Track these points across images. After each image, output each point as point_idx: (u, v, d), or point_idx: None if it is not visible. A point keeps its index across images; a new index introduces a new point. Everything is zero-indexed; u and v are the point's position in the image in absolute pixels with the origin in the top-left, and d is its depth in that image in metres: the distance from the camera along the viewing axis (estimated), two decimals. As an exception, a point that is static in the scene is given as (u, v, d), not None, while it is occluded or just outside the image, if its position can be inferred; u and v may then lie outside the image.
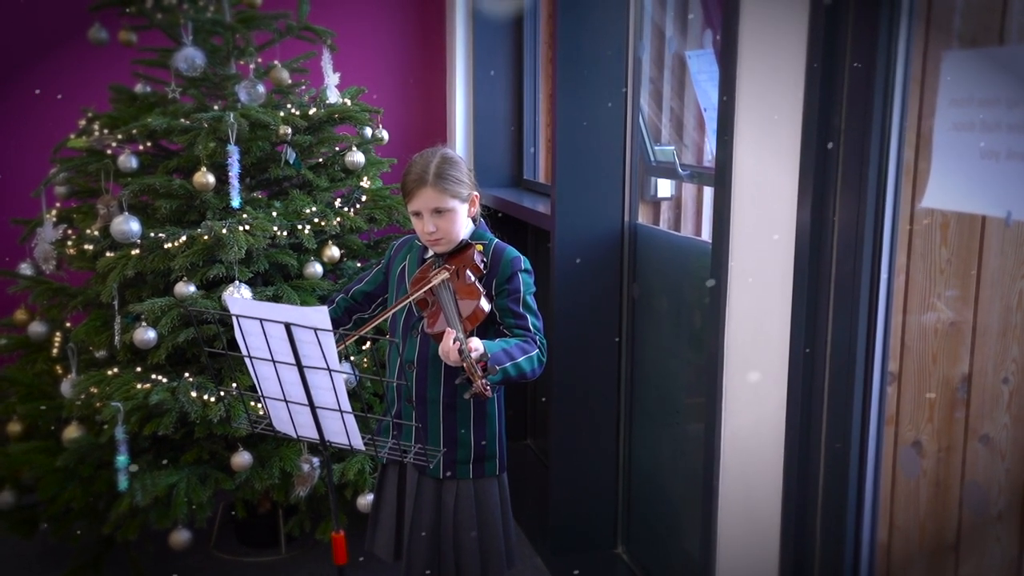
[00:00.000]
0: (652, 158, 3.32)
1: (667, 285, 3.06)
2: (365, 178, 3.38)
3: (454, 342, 2.04)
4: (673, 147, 3.45)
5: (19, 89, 3.96)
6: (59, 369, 3.23)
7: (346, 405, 1.84)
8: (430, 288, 2.19)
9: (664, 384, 3.12)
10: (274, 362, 1.85)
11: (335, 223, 3.13)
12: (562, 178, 3.15)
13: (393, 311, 2.19)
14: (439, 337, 2.13)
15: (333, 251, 3.17)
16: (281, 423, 1.99)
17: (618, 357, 3.28)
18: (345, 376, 1.82)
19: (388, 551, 2.46)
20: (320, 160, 3.38)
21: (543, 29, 4.20)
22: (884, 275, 1.65)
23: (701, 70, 3.30)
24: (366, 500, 2.97)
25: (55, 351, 3.26)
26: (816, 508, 1.85)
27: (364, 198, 3.33)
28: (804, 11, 1.75)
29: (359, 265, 3.43)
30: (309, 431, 1.94)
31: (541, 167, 4.34)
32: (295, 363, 1.81)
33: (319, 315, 1.75)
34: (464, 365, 2.03)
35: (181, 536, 2.90)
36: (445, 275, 2.20)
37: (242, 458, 2.87)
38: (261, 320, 1.80)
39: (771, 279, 1.91)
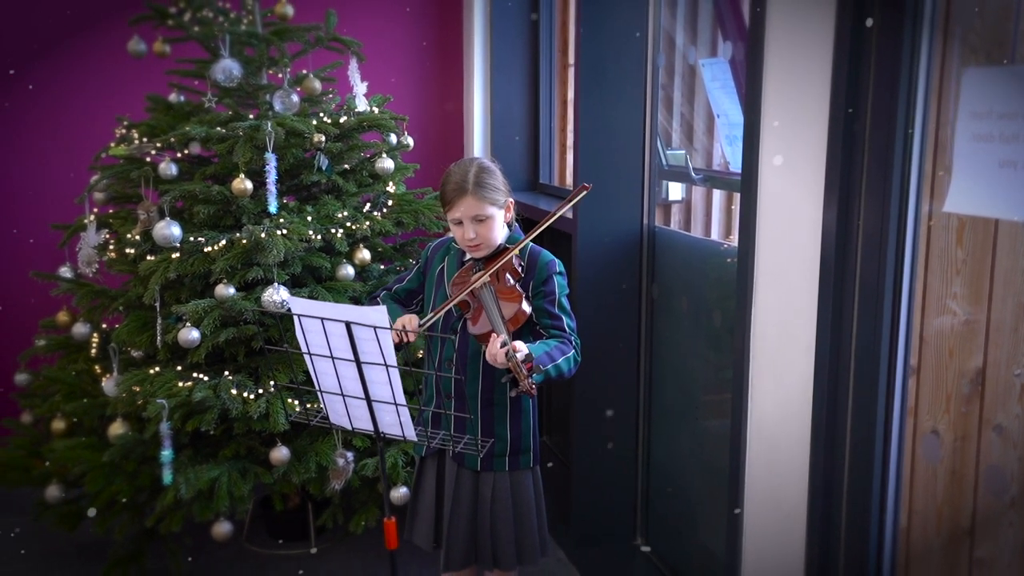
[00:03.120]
0: (664, 162, 3.44)
1: (685, 285, 3.19)
2: (391, 183, 3.50)
3: (501, 346, 2.16)
4: (684, 151, 3.57)
5: (51, 98, 4.08)
6: (97, 369, 3.34)
7: (401, 398, 1.96)
8: (473, 290, 2.31)
9: (682, 381, 3.24)
10: (333, 358, 1.97)
11: (365, 227, 3.25)
12: (584, 182, 3.26)
13: (443, 311, 2.30)
14: (482, 338, 2.25)
15: (364, 254, 3.29)
16: (337, 416, 2.11)
17: (637, 355, 3.40)
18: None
19: (427, 540, 2.57)
20: (347, 166, 3.50)
21: (558, 37, 4.33)
22: (906, 275, 1.77)
23: (714, 78, 3.42)
24: (399, 493, 3.09)
25: (93, 351, 3.38)
26: (842, 493, 1.97)
27: (390, 202, 3.46)
28: (829, 26, 1.87)
29: (382, 267, 3.54)
30: (364, 423, 2.06)
31: (556, 171, 4.46)
32: (354, 359, 1.93)
33: (378, 314, 1.88)
34: (510, 366, 2.14)
35: (223, 528, 3.03)
36: (487, 278, 2.31)
37: (281, 453, 2.99)
38: (322, 319, 1.92)
39: (796, 279, 2.04)
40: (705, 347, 3.09)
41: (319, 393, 2.09)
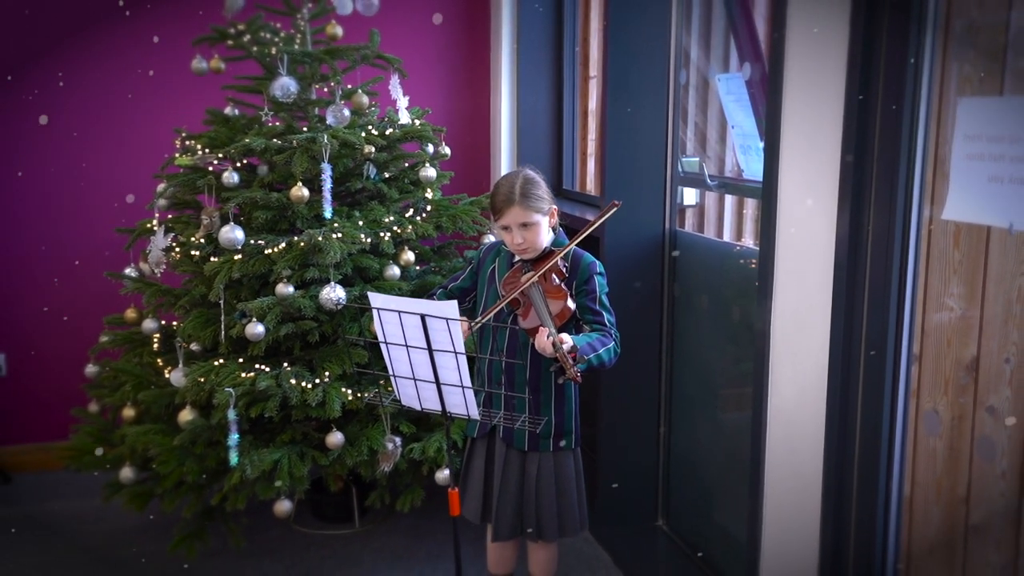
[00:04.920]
0: (680, 169, 3.72)
1: (705, 285, 3.47)
2: (429, 190, 3.77)
3: (548, 337, 2.44)
4: (698, 158, 3.85)
5: (112, 109, 4.37)
6: (160, 361, 3.62)
7: (467, 382, 2.24)
8: (522, 290, 2.59)
9: (701, 374, 3.52)
10: (407, 347, 2.25)
11: (409, 230, 3.53)
12: (611, 189, 3.55)
13: (497, 308, 2.58)
14: (531, 332, 2.53)
15: (409, 255, 3.56)
16: (408, 398, 2.40)
17: (659, 350, 3.68)
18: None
19: (476, 514, 2.85)
20: (389, 174, 3.77)
21: (580, 50, 4.61)
22: (910, 274, 2.05)
23: (729, 91, 3.70)
24: (443, 474, 3.36)
25: (155, 345, 3.66)
26: (853, 466, 2.25)
27: (429, 208, 3.73)
28: (843, 52, 2.15)
29: (418, 268, 3.81)
30: (432, 404, 2.35)
31: (577, 177, 4.74)
32: (426, 347, 2.21)
33: (450, 307, 2.16)
34: (557, 356, 2.42)
35: (283, 506, 3.30)
36: (535, 279, 2.59)
37: (336, 437, 3.27)
38: (399, 312, 2.20)
39: (812, 278, 2.32)
40: (723, 342, 3.36)
41: (392, 378, 2.37)
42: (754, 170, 3.54)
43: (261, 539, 3.77)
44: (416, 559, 3.63)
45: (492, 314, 2.57)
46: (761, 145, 3.43)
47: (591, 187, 4.63)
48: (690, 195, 3.87)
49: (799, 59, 2.36)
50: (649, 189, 3.60)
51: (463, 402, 2.29)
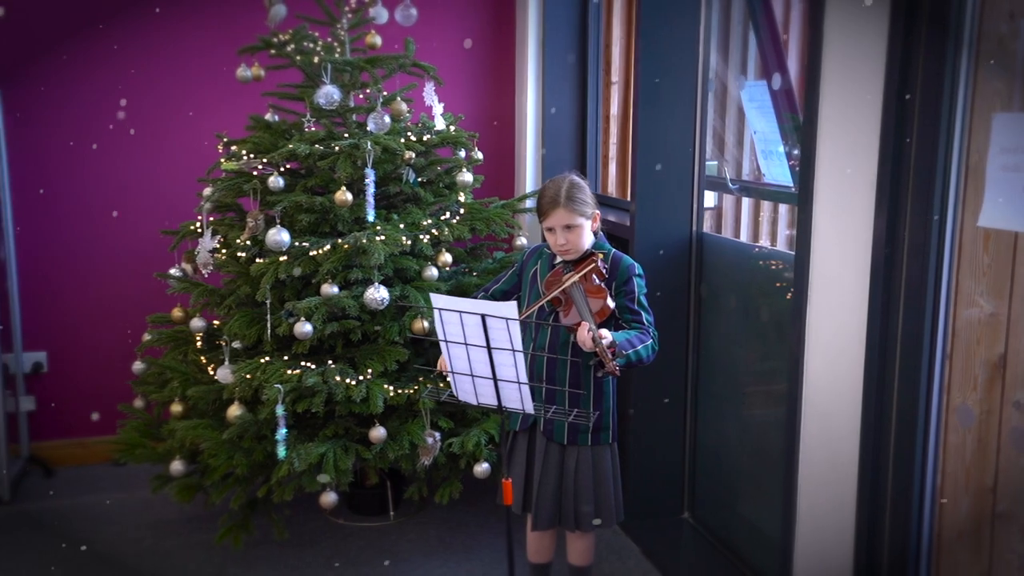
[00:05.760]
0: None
1: (731, 285, 3.60)
2: (462, 194, 3.90)
3: (588, 332, 2.57)
4: (716, 162, 3.98)
5: (160, 116, 4.50)
6: (203, 359, 3.75)
7: (524, 378, 2.37)
8: (564, 289, 2.72)
9: (727, 371, 3.66)
10: (466, 344, 2.38)
11: (446, 232, 3.66)
12: (642, 194, 3.69)
13: (540, 304, 2.71)
14: (573, 328, 2.66)
15: (446, 257, 3.69)
16: (464, 393, 2.53)
17: (686, 348, 3.81)
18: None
19: (517, 504, 2.98)
20: (424, 179, 3.90)
21: (603, 58, 4.74)
22: (945, 276, 2.19)
23: (752, 98, 3.84)
24: (481, 468, 3.49)
25: (199, 343, 3.79)
26: (888, 458, 2.39)
27: (462, 211, 3.86)
28: (881, 62, 2.29)
29: (449, 269, 3.93)
30: (488, 399, 2.48)
31: (600, 181, 4.87)
32: (485, 345, 2.34)
33: (509, 308, 2.29)
34: (597, 351, 2.56)
35: (329, 497, 3.44)
36: (576, 278, 2.73)
37: (379, 432, 3.40)
38: (460, 312, 2.33)
39: (849, 278, 2.46)
40: (749, 341, 3.50)
41: (451, 374, 2.50)
42: (775, 174, 3.68)
43: (300, 530, 3.90)
44: (451, 550, 3.76)
45: (535, 309, 2.70)
46: (782, 150, 3.58)
47: (612, 190, 4.77)
48: (708, 198, 4.01)
49: (835, 68, 2.49)
50: (677, 192, 3.73)
51: (519, 397, 2.42)
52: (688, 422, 3.88)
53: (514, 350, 2.32)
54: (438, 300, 2.38)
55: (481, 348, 2.37)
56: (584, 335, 2.58)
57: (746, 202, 4.03)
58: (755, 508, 3.50)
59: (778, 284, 3.30)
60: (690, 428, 3.89)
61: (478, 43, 4.88)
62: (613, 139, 4.76)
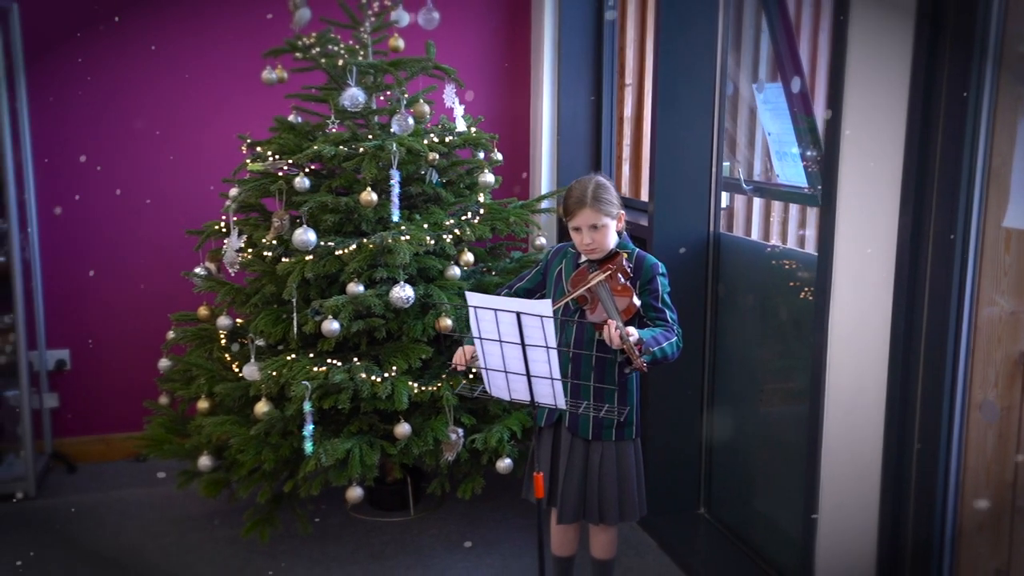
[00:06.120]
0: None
1: (748, 285, 3.67)
2: (481, 194, 3.96)
3: (615, 329, 2.63)
4: (728, 163, 4.05)
5: (184, 117, 4.57)
6: (227, 356, 3.81)
7: (557, 374, 2.44)
8: (590, 287, 2.79)
9: (743, 369, 3.72)
10: (501, 342, 2.44)
11: (468, 232, 3.72)
12: (660, 194, 3.75)
13: (566, 301, 2.78)
14: (599, 326, 2.73)
15: (468, 256, 3.76)
16: (497, 389, 2.59)
17: (703, 346, 3.88)
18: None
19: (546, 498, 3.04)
20: (445, 179, 3.96)
21: (618, 61, 4.80)
22: (970, 274, 2.26)
23: (767, 100, 3.91)
24: (504, 463, 3.56)
25: (223, 341, 3.85)
26: (912, 451, 2.46)
27: (482, 211, 3.92)
28: (906, 61, 2.36)
29: (469, 269, 4.00)
30: (521, 395, 2.54)
31: (614, 181, 4.92)
32: (520, 342, 2.41)
33: (544, 306, 2.35)
34: (625, 348, 2.62)
35: (355, 492, 3.50)
36: (602, 277, 2.79)
37: (404, 428, 3.46)
38: (495, 310, 2.40)
39: (873, 276, 2.53)
40: (766, 339, 3.56)
41: (483, 371, 2.57)
42: (789, 175, 3.76)
43: (322, 525, 3.97)
44: (473, 544, 3.82)
45: (562, 306, 2.77)
46: (795, 151, 3.65)
47: (626, 190, 4.83)
48: (722, 198, 4.06)
49: (860, 72, 2.56)
50: (695, 193, 3.80)
51: (551, 392, 2.48)
52: (704, 419, 3.95)
53: (548, 347, 2.38)
54: (474, 298, 2.45)
55: (515, 345, 2.42)
56: (612, 333, 2.64)
57: (756, 202, 4.10)
58: (772, 503, 3.57)
59: (792, 283, 3.37)
60: (706, 425, 3.95)
61: (493, 45, 4.94)
62: (626, 140, 4.83)
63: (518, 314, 2.37)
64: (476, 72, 4.89)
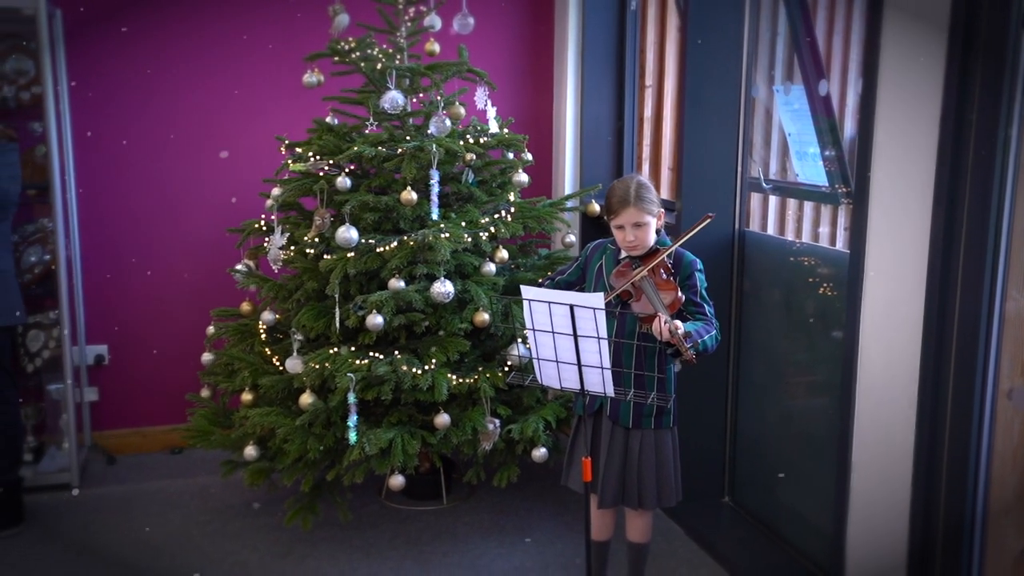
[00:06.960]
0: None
1: (772, 280, 3.80)
2: (512, 193, 4.09)
3: (664, 323, 2.77)
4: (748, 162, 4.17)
5: (223, 119, 4.70)
6: (268, 350, 3.94)
7: (607, 364, 2.57)
8: (634, 282, 2.92)
9: (768, 362, 3.86)
10: (553, 333, 2.58)
11: (503, 230, 3.85)
12: (687, 193, 3.89)
13: (614, 294, 2.92)
14: (646, 320, 2.86)
15: (503, 253, 3.89)
16: (548, 378, 2.73)
17: (728, 340, 4.01)
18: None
19: (581, 485, 3.17)
20: (479, 178, 4.09)
21: (639, 62, 4.93)
22: (1001, 267, 2.40)
23: (788, 102, 4.04)
24: (539, 452, 3.69)
25: (263, 336, 3.97)
26: (944, 438, 2.60)
27: (512, 209, 4.05)
28: (940, 65, 2.49)
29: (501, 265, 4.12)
30: (571, 384, 2.68)
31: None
32: (572, 333, 2.54)
33: (596, 299, 2.48)
34: (674, 340, 2.75)
35: (397, 480, 3.63)
36: (645, 272, 2.92)
37: (443, 418, 3.59)
38: (549, 303, 2.53)
39: (904, 272, 2.66)
40: (791, 333, 3.70)
41: (535, 361, 2.70)
42: (808, 174, 3.90)
43: (359, 514, 4.09)
44: (505, 532, 3.95)
45: (611, 298, 2.90)
46: (814, 151, 3.79)
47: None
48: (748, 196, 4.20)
49: (892, 76, 2.69)
50: (722, 193, 3.93)
51: (600, 381, 2.62)
52: (729, 410, 4.08)
53: (599, 338, 2.51)
54: (528, 291, 2.58)
55: (567, 336, 2.56)
56: (661, 326, 2.77)
57: (773, 200, 4.23)
58: (797, 491, 3.70)
59: (811, 279, 3.52)
60: (731, 416, 4.08)
61: (517, 47, 5.06)
62: (646, 140, 4.95)
63: (571, 307, 2.50)
64: (501, 73, 5.01)
